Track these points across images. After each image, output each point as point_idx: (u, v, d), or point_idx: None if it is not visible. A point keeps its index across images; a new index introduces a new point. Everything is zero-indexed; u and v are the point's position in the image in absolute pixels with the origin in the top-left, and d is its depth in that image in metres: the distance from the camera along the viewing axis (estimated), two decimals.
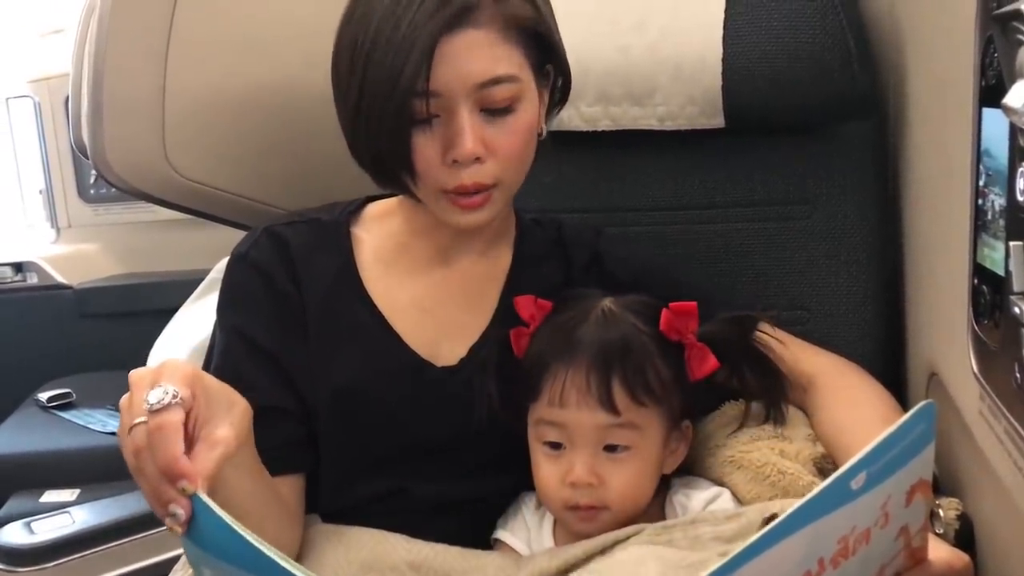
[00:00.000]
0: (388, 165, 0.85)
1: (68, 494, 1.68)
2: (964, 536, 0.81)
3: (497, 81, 0.84)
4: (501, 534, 0.94)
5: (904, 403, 1.00)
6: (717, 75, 1.08)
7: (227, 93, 1.13)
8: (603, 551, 0.83)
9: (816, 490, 0.56)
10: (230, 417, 0.71)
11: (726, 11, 1.09)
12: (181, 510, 0.64)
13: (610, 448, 0.86)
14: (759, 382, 0.93)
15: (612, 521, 0.86)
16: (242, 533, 0.60)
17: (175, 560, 0.97)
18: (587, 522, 0.87)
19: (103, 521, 1.60)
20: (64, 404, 1.96)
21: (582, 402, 0.85)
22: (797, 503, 0.56)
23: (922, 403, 0.59)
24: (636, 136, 1.13)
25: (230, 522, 0.61)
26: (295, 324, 0.93)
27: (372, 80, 0.81)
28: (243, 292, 0.93)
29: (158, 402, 0.66)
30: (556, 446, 0.87)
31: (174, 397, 0.66)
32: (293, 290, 0.93)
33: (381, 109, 0.81)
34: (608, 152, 1.16)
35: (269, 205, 1.13)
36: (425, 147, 0.84)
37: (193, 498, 0.64)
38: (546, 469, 0.88)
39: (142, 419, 0.67)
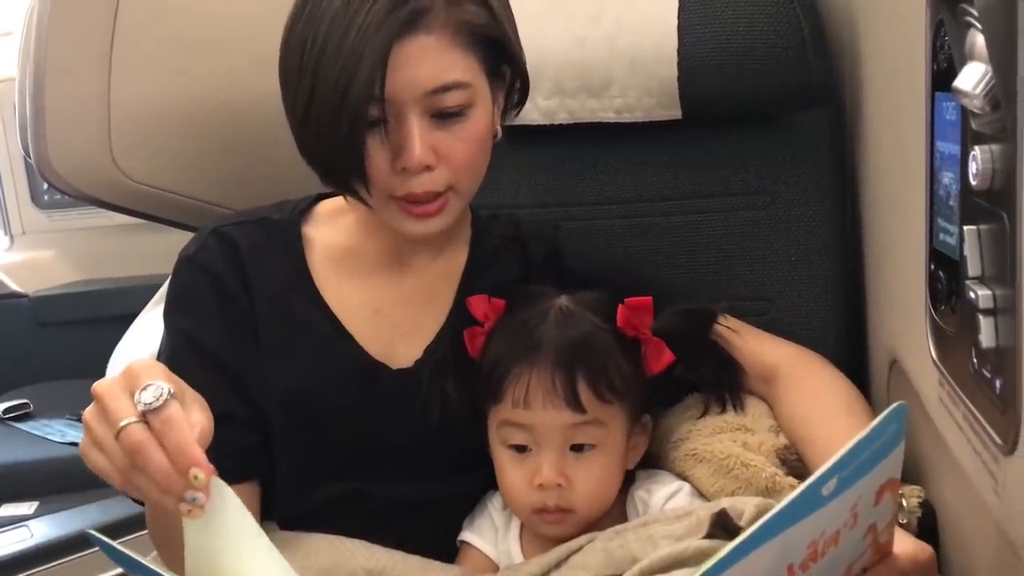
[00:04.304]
0: (339, 170, 0.83)
1: (26, 507, 1.66)
2: (927, 523, 0.81)
3: (447, 88, 0.82)
4: (467, 536, 0.93)
5: (866, 391, 1.00)
6: (673, 66, 1.07)
7: (175, 94, 1.11)
8: (558, 564, 0.83)
9: (786, 500, 0.55)
10: (198, 404, 0.71)
11: (680, 1, 1.08)
12: (200, 493, 0.64)
13: (576, 448, 0.85)
14: (715, 374, 0.93)
15: (579, 523, 0.86)
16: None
17: None
18: (555, 525, 0.86)
19: (63, 534, 1.57)
20: (21, 415, 1.93)
21: (548, 402, 0.84)
22: (767, 514, 0.55)
23: (893, 405, 0.59)
24: (594, 129, 1.12)
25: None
26: (244, 327, 0.91)
27: (323, 85, 0.79)
28: (190, 295, 0.92)
29: (156, 399, 0.65)
30: (521, 449, 0.86)
31: (170, 393, 0.66)
32: (242, 292, 0.91)
33: (333, 115, 0.79)
34: (566, 145, 1.15)
35: (220, 206, 1.11)
36: (376, 153, 0.83)
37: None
38: (512, 473, 0.87)
39: (131, 419, 0.65)
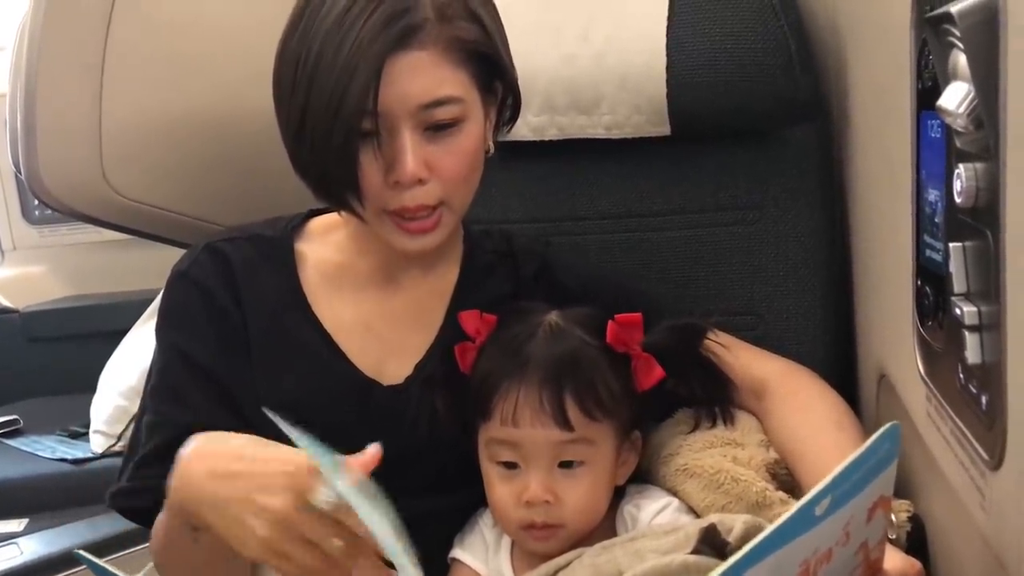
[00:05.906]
0: (333, 183, 0.84)
1: (15, 524, 1.64)
2: (916, 537, 0.81)
3: (440, 102, 0.83)
4: (458, 553, 0.93)
5: (855, 405, 1.00)
6: (662, 83, 1.08)
7: (166, 109, 1.11)
8: None
9: (780, 520, 0.56)
10: None
11: (668, 19, 1.09)
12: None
13: (564, 464, 0.85)
14: (706, 389, 0.93)
15: (568, 538, 0.86)
16: None
17: None
18: (543, 541, 0.86)
19: (53, 551, 1.56)
20: (11, 431, 1.91)
21: (535, 420, 0.84)
22: (761, 534, 0.55)
23: (887, 425, 0.59)
24: (584, 145, 1.13)
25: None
26: (236, 343, 0.91)
27: (317, 98, 0.80)
28: (183, 310, 0.92)
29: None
30: (510, 465, 0.86)
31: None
32: (234, 308, 0.92)
33: (327, 128, 0.80)
34: (556, 161, 1.15)
35: (211, 223, 1.11)
36: (369, 166, 0.83)
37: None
38: (500, 489, 0.87)
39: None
